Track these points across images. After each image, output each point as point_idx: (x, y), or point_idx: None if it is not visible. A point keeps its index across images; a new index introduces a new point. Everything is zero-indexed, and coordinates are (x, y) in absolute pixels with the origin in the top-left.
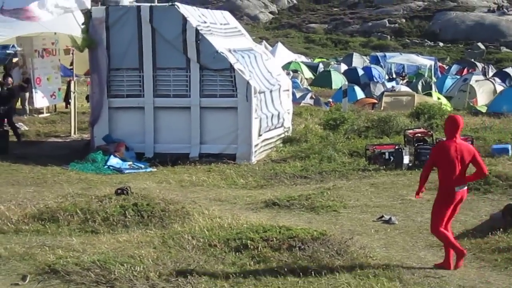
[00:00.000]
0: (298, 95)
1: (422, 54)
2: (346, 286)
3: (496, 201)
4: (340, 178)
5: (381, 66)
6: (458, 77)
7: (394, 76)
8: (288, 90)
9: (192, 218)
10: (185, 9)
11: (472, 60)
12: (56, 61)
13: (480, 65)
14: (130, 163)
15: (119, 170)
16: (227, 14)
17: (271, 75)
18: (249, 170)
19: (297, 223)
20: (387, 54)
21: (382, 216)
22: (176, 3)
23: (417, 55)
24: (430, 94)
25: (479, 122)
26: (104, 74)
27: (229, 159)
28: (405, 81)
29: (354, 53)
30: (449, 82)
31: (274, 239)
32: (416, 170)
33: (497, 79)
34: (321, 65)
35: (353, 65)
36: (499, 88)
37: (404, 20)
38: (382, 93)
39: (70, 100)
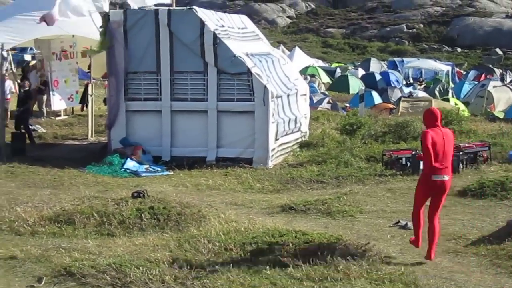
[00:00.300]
0: (315, 99)
1: (439, 59)
2: None
3: None
4: (356, 183)
5: (398, 71)
6: (476, 82)
7: (411, 81)
8: (305, 95)
9: (208, 222)
10: (203, 13)
11: (490, 65)
12: (74, 64)
13: (498, 71)
14: (147, 166)
15: (135, 173)
16: (245, 18)
17: (288, 79)
18: (265, 174)
19: (313, 228)
20: (405, 59)
21: (399, 222)
22: (194, 7)
23: (434, 60)
24: (447, 100)
25: (497, 128)
26: (122, 77)
27: (246, 163)
28: (422, 86)
29: (372, 58)
30: (466, 87)
31: (290, 243)
32: None
33: None
34: (338, 70)
35: (371, 70)
36: None
37: (422, 25)
38: (400, 98)
39: (87, 103)
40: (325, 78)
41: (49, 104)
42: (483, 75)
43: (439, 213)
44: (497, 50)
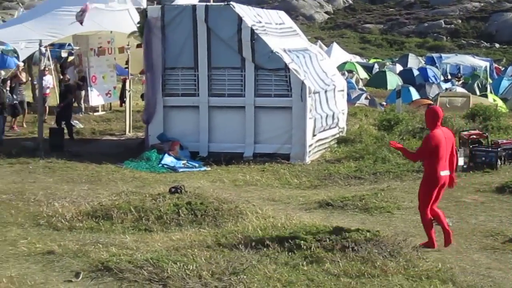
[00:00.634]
0: (353, 95)
1: (478, 55)
2: None
3: None
4: (394, 179)
5: (436, 67)
6: None
7: (449, 77)
8: (343, 91)
9: (245, 218)
10: (241, 9)
11: None
12: (112, 60)
13: None
14: (184, 161)
15: (173, 169)
16: (282, 14)
17: (326, 75)
18: (303, 170)
19: (351, 224)
20: (443, 55)
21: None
22: (231, 2)
23: (473, 56)
24: (485, 96)
25: None
26: (159, 73)
27: (283, 159)
28: (460, 82)
29: (410, 54)
30: (505, 83)
31: (327, 239)
32: (471, 172)
33: None
34: (376, 66)
35: (409, 65)
36: None
37: (460, 21)
38: (437, 94)
39: (125, 99)
40: (363, 74)
41: (87, 100)
42: None
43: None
44: None
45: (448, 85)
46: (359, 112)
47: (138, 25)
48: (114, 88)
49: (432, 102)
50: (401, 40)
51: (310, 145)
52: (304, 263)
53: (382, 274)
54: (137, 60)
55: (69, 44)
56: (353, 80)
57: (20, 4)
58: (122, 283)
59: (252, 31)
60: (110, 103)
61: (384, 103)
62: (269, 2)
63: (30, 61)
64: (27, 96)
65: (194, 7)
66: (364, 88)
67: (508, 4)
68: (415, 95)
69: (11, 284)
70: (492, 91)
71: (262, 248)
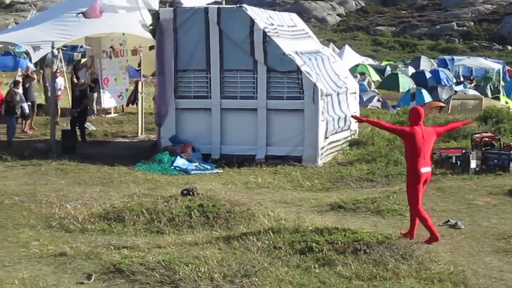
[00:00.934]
0: (365, 98)
1: (490, 57)
2: None
3: None
4: (406, 181)
5: (448, 70)
6: None
7: (462, 79)
8: (355, 93)
9: (257, 220)
10: (253, 11)
11: None
12: (124, 62)
13: None
14: (197, 164)
15: (185, 171)
16: (294, 16)
17: (338, 77)
18: (315, 172)
19: (363, 227)
20: (455, 57)
21: (448, 221)
22: (243, 5)
23: (485, 58)
24: (498, 98)
25: None
26: (171, 75)
27: (295, 161)
28: (473, 84)
29: (422, 56)
30: None
31: (339, 242)
32: (484, 174)
33: None
34: (388, 68)
35: (421, 68)
36: None
37: (472, 23)
38: (450, 97)
39: (137, 101)
40: (375, 76)
41: (99, 102)
42: None
43: None
44: None
45: (460, 87)
46: (371, 114)
47: (151, 27)
48: (126, 90)
49: (444, 105)
50: (413, 42)
51: (322, 148)
52: (316, 265)
53: (394, 277)
54: (150, 62)
55: (81, 46)
56: (365, 83)
57: (33, 6)
58: (134, 285)
59: (264, 33)
60: (122, 105)
61: (398, 108)
62: (281, 4)
63: (43, 63)
64: (39, 98)
65: (206, 9)
66: (376, 91)
67: None
68: (427, 97)
69: (23, 286)
70: (505, 94)
71: (274, 251)
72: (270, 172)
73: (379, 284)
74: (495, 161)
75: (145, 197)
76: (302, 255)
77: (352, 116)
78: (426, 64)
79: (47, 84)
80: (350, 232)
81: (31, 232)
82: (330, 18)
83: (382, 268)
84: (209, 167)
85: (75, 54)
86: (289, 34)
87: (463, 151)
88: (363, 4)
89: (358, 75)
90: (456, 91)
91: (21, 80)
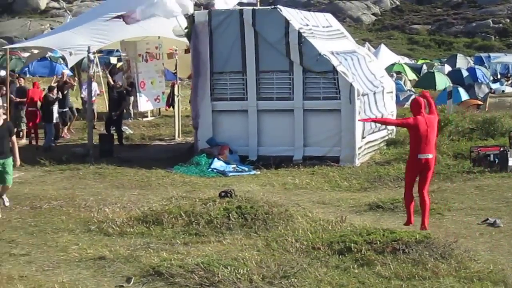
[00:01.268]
0: (401, 97)
1: None
2: None
3: None
4: (444, 180)
5: (485, 67)
6: None
7: (499, 77)
8: (391, 92)
9: (295, 221)
10: (288, 12)
11: None
12: (160, 65)
13: None
14: (234, 166)
15: (223, 173)
16: (329, 16)
17: (374, 77)
18: (352, 172)
19: (401, 226)
20: (492, 54)
21: (487, 219)
22: (278, 6)
23: None
24: None
25: None
26: (207, 77)
27: (333, 161)
28: (510, 82)
29: (458, 54)
30: None
31: (378, 242)
32: None
33: None
34: (424, 67)
35: (457, 66)
36: None
37: (508, 20)
38: (487, 94)
39: (174, 104)
40: (411, 75)
41: (136, 106)
42: None
43: (427, 188)
44: None
45: (497, 85)
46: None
47: (186, 30)
48: (163, 93)
49: (481, 103)
50: (449, 40)
51: (360, 148)
52: (355, 265)
53: (433, 276)
54: (186, 65)
55: (117, 50)
56: (402, 82)
57: (68, 11)
58: None
59: (300, 34)
60: (159, 109)
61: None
62: (316, 5)
63: (79, 68)
64: (75, 102)
65: (241, 11)
66: (412, 90)
67: None
68: (464, 95)
69: None
70: None
71: (312, 251)
72: (308, 173)
73: (418, 283)
74: None
75: (183, 199)
76: (340, 256)
77: (359, 120)
78: (463, 62)
79: (82, 89)
80: (388, 232)
81: (70, 236)
82: (365, 18)
83: (421, 267)
84: (246, 168)
85: (111, 58)
86: (325, 34)
87: (501, 149)
88: (398, 3)
89: (394, 74)
90: (492, 89)
91: (55, 86)
